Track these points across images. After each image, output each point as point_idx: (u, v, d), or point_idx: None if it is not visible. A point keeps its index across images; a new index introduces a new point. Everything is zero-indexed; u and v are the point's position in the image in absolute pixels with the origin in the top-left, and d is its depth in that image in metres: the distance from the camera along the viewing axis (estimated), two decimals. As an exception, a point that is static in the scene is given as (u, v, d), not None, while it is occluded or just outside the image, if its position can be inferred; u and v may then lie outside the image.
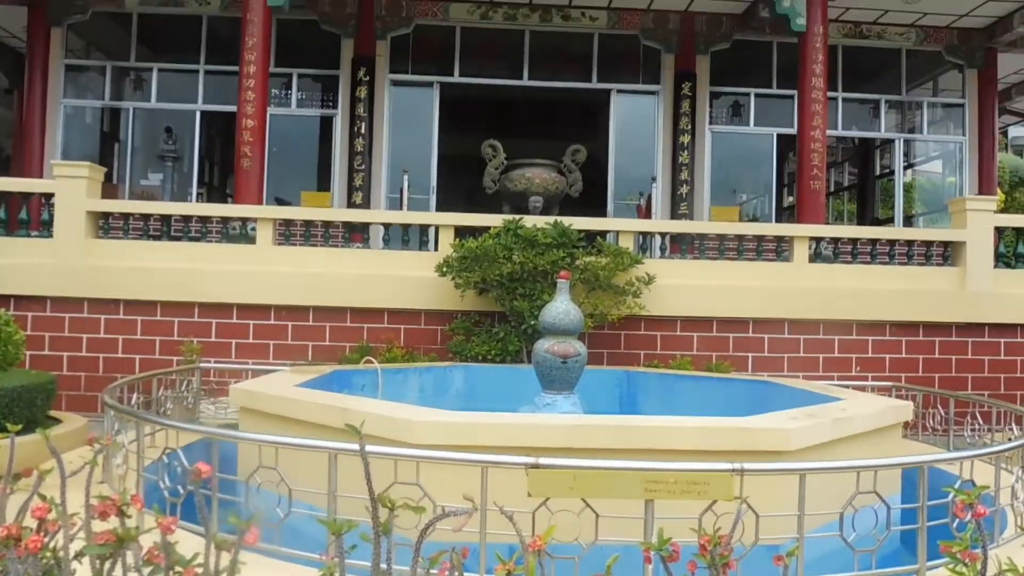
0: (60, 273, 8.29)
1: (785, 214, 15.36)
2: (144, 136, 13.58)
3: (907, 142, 13.97)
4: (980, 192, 13.03)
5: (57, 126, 12.75)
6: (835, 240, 9.29)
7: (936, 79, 13.76)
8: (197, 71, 12.86)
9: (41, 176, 12.04)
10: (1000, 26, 12.72)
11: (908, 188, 14.97)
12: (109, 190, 11.17)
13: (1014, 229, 9.37)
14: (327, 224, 9.21)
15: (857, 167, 16.78)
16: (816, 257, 9.03)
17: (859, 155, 16.49)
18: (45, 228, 8.66)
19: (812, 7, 9.92)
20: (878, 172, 15.89)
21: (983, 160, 13.31)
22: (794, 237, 8.93)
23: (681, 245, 9.91)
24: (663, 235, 9.60)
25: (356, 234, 10.30)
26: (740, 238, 9.18)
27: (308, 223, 9.14)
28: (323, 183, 13.04)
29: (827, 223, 11.30)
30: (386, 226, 9.35)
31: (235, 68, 10.18)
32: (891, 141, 14.04)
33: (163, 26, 12.90)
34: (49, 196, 8.74)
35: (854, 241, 9.38)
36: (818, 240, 9.12)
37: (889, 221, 14.52)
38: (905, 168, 14.20)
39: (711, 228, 9.77)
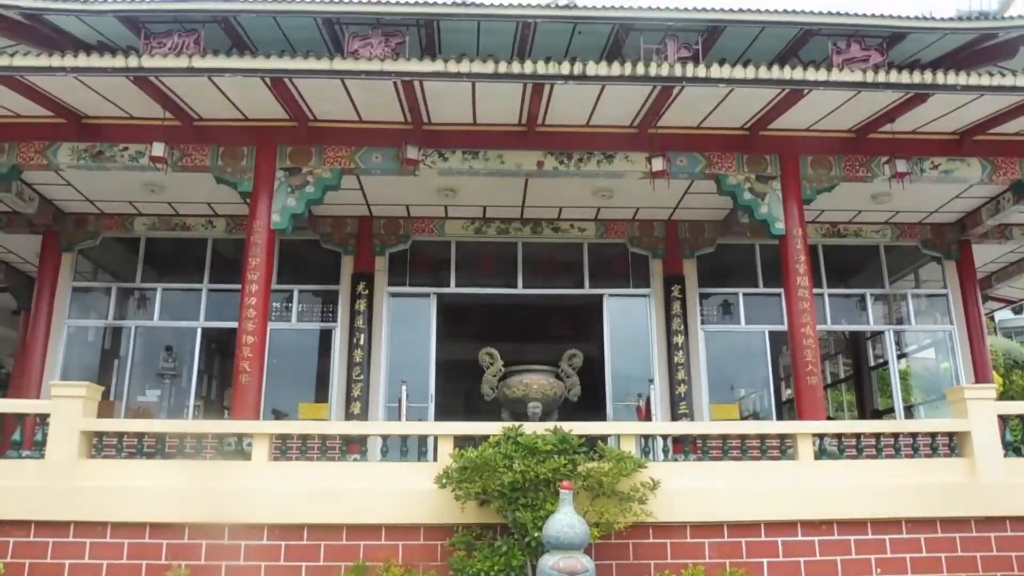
0: (48, 495, 8.05)
1: (785, 408, 15.29)
2: (144, 353, 13.72)
3: (897, 333, 14.18)
4: (976, 379, 13.07)
5: (59, 345, 12.93)
6: (839, 436, 9.16)
7: (917, 271, 14.20)
8: (200, 289, 13.23)
9: (39, 395, 12.07)
10: (970, 220, 13.33)
11: (904, 376, 15.02)
12: (106, 407, 11.12)
13: (1019, 416, 9.29)
14: (324, 437, 9.08)
15: (851, 358, 16.93)
16: (821, 454, 8.87)
17: (851, 346, 16.69)
18: (37, 449, 8.53)
19: (789, 212, 10.43)
20: (872, 362, 16.01)
21: (974, 347, 13.45)
22: (797, 435, 8.80)
23: (684, 446, 9.76)
24: (665, 437, 9.49)
25: (354, 445, 10.16)
26: (743, 437, 9.08)
27: (304, 437, 9.04)
28: (321, 394, 13.05)
29: (828, 417, 11.21)
30: (384, 437, 9.24)
31: (237, 286, 10.50)
32: (881, 332, 14.25)
33: (169, 248, 13.45)
34: (45, 416, 8.68)
35: (858, 436, 9.24)
36: (821, 437, 9.00)
37: (889, 412, 14.44)
38: (899, 357, 14.33)
39: (713, 428, 9.67)
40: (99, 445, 8.67)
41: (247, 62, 8.95)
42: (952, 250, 13.80)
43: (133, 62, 8.87)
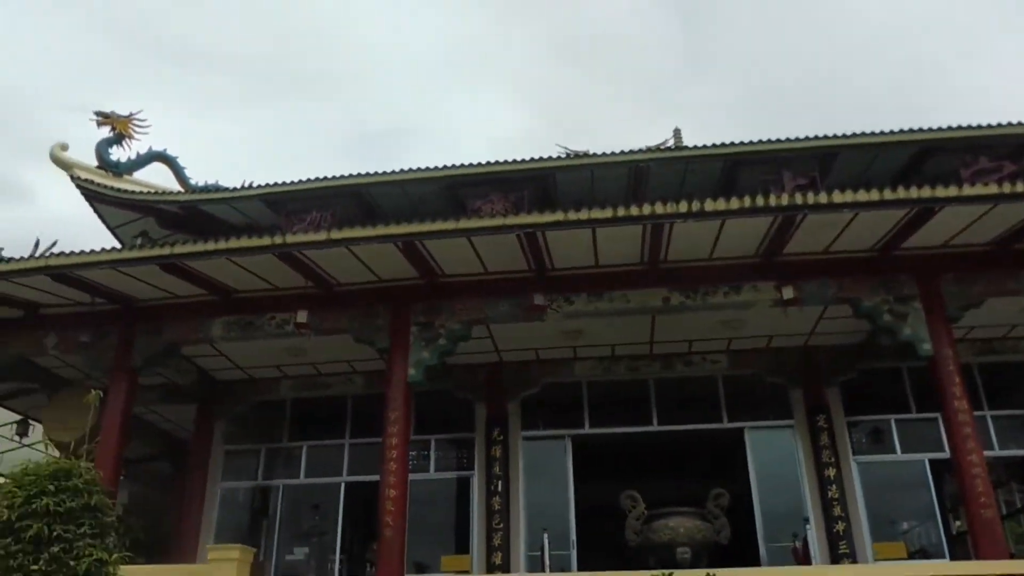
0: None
1: (957, 543, 13.93)
2: (291, 511, 14.09)
3: (1078, 457, 12.82)
4: None
5: (213, 507, 13.50)
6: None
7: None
8: (343, 445, 13.62)
9: (195, 557, 12.51)
10: None
11: (1096, 501, 13.48)
12: (256, 567, 11.39)
13: None
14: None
15: (1027, 484, 15.38)
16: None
17: (1026, 472, 15.19)
18: (196, 615, 8.80)
19: (935, 332, 9.88)
20: (1053, 488, 14.49)
21: None
22: (981, 576, 8.03)
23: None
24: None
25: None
26: (916, 579, 8.34)
27: (449, 593, 8.94)
28: (462, 544, 12.91)
29: (1011, 554, 10.11)
30: (528, 590, 9.03)
31: (377, 439, 10.77)
32: (1061, 457, 12.95)
33: (312, 407, 14.04)
34: (202, 581, 9.00)
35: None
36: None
37: (1084, 544, 12.91)
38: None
39: (889, 573, 8.88)
40: (252, 609, 8.84)
41: (380, 230, 9.54)
42: None
43: (278, 239, 9.64)
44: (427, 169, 12.29)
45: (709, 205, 9.01)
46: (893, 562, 10.59)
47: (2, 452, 16.78)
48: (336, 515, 13.45)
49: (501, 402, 13.36)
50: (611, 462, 14.35)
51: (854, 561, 11.41)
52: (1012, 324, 12.23)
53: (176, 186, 13.90)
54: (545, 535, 11.97)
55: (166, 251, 9.89)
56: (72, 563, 7.89)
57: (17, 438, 15.31)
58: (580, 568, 11.79)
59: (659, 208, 9.09)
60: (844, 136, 10.79)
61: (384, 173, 12.29)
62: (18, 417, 14.98)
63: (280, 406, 14.16)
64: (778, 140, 10.75)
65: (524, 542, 12.50)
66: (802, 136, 10.71)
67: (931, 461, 12.23)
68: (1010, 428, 12.71)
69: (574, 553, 12.25)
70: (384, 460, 10.31)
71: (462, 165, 12.22)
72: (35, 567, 7.79)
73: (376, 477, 10.61)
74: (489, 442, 13.10)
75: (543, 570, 11.75)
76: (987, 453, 10.71)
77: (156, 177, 14.53)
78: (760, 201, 8.92)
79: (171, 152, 14.25)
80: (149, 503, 16.61)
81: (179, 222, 13.26)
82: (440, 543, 13.20)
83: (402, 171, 12.30)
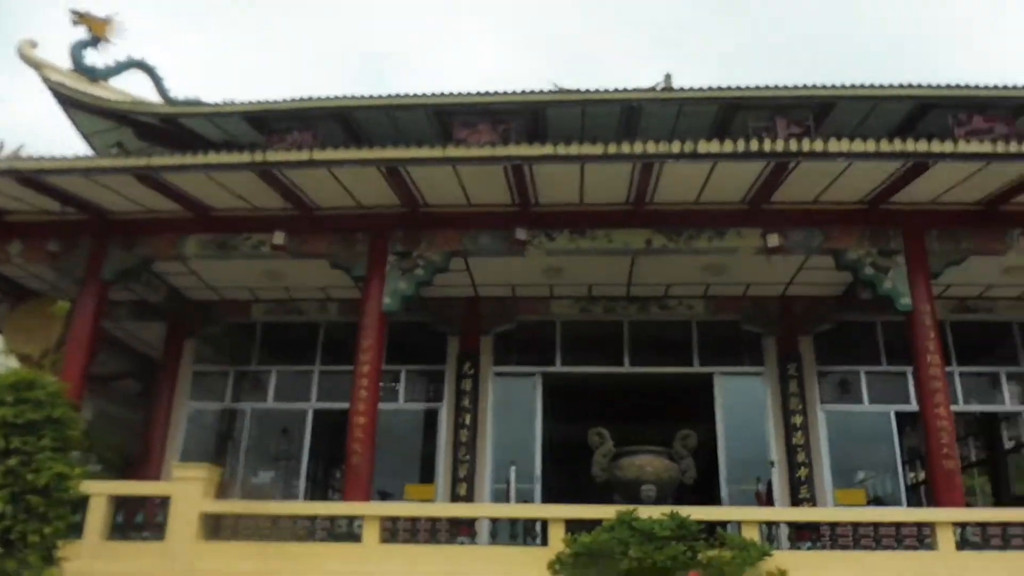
0: (170, 578, 8.20)
1: (913, 494, 14.33)
2: (258, 435, 14.03)
3: (1036, 414, 13.14)
4: None
5: (180, 428, 13.38)
6: (982, 525, 8.50)
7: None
8: (312, 371, 13.52)
9: (160, 476, 12.45)
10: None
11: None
12: (222, 488, 11.36)
13: None
14: (432, 519, 9.03)
15: (983, 441, 15.82)
16: (963, 544, 8.24)
17: (984, 429, 15.61)
18: (158, 530, 8.75)
19: (915, 287, 9.92)
20: (1007, 446, 14.89)
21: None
22: (936, 523, 8.25)
23: (809, 534, 9.24)
24: (790, 524, 8.98)
25: (463, 528, 10.03)
26: (876, 525, 8.51)
27: (413, 519, 8.98)
28: (427, 475, 13.00)
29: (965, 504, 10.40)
30: (493, 520, 9.09)
31: (348, 367, 10.66)
32: (1019, 413, 13.25)
33: (284, 333, 13.88)
34: (166, 498, 8.92)
35: (1004, 525, 8.55)
36: (963, 525, 8.38)
37: (1031, 498, 13.33)
38: (1039, 441, 13.25)
39: (845, 516, 9.08)
40: (217, 528, 8.81)
41: (364, 153, 9.30)
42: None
43: (259, 157, 9.34)
44: (415, 96, 11.97)
45: (703, 147, 8.88)
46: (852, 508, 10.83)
47: (-40, 362, 16.47)
48: (303, 441, 13.42)
49: (474, 337, 13.31)
50: (581, 401, 14.45)
51: (814, 505, 11.68)
52: (988, 284, 12.35)
53: (154, 97, 13.40)
54: (512, 469, 12.07)
55: (143, 162, 9.56)
56: (30, 476, 7.66)
57: (-26, 348, 15.03)
58: (544, 502, 11.94)
59: (651, 147, 8.95)
60: (843, 87, 10.64)
61: (371, 97, 11.94)
62: (-24, 326, 14.66)
63: (251, 329, 13.98)
64: (775, 87, 10.59)
65: (490, 475, 12.60)
66: (799, 84, 10.56)
67: (897, 413, 12.47)
68: (975, 385, 12.99)
69: (538, 487, 12.38)
70: (355, 388, 10.21)
71: (451, 94, 11.91)
72: (-12, 480, 7.63)
73: (345, 405, 10.54)
74: (460, 375, 13.09)
75: (508, 502, 11.88)
76: (952, 407, 10.92)
77: (133, 86, 14.00)
78: (755, 145, 8.81)
79: (150, 61, 13.71)
80: (116, 421, 16.46)
81: (157, 135, 12.82)
82: (405, 473, 13.26)
83: (390, 96, 11.97)
